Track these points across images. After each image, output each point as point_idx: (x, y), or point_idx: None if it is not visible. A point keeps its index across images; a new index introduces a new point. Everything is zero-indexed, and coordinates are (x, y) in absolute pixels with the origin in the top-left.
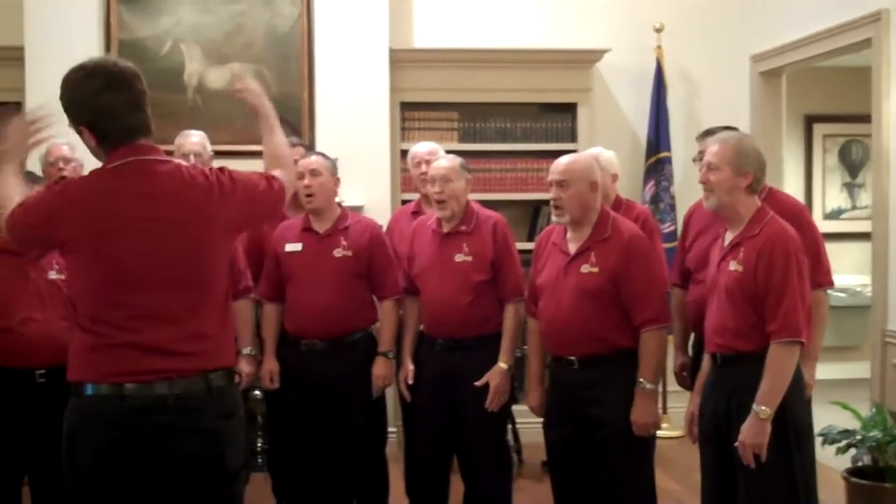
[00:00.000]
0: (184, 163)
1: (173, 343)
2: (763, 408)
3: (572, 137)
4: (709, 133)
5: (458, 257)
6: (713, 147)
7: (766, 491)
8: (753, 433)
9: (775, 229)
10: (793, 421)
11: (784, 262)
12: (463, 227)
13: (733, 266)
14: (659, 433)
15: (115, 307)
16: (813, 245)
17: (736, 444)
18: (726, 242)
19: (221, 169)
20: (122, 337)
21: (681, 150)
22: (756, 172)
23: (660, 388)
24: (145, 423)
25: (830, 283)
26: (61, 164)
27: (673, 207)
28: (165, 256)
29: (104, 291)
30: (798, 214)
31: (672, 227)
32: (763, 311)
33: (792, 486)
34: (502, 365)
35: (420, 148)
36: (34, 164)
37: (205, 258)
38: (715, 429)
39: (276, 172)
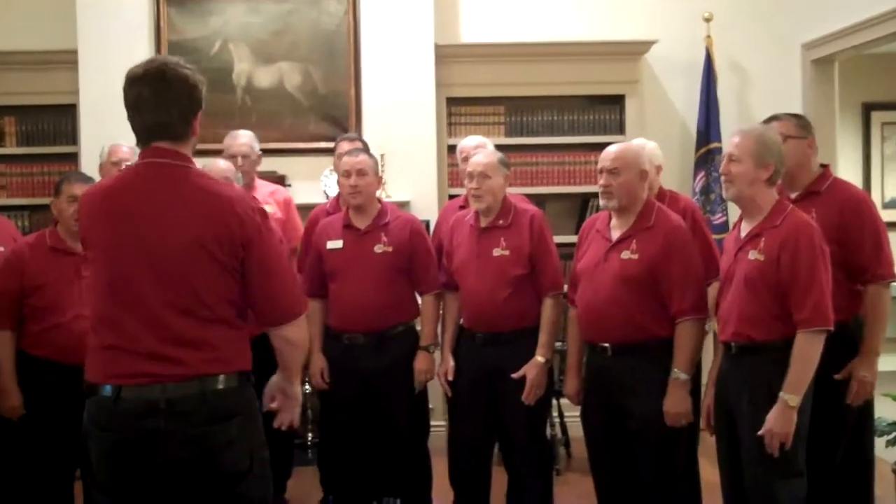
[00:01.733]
0: (221, 170)
1: (167, 348)
2: (791, 395)
3: (620, 129)
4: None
5: (496, 252)
6: (734, 138)
7: (770, 476)
8: (781, 422)
9: (798, 220)
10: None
11: (810, 252)
12: (500, 222)
13: (753, 255)
14: None
15: (114, 309)
16: (874, 235)
17: (760, 432)
18: (743, 233)
19: (263, 212)
20: (117, 339)
21: None
22: (777, 165)
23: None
24: (137, 426)
25: (893, 276)
26: (123, 167)
27: (723, 198)
28: (158, 261)
29: (106, 293)
30: (861, 203)
31: (723, 218)
32: (783, 301)
33: (798, 480)
34: (539, 359)
35: (468, 142)
36: (92, 165)
37: (201, 268)
38: (729, 420)
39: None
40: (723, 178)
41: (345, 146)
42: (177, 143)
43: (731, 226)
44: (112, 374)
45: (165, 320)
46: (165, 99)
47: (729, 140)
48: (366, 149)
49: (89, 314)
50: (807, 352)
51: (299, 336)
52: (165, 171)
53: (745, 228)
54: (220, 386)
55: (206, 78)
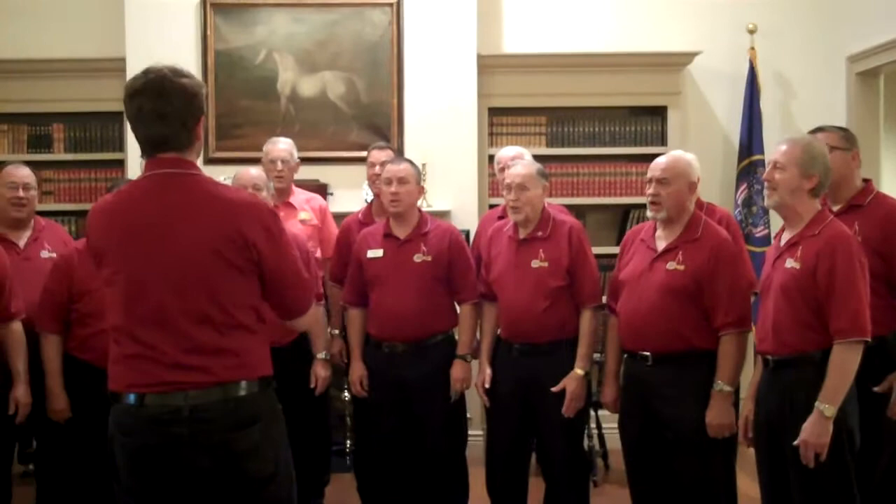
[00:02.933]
0: (252, 178)
1: (185, 357)
2: (827, 406)
3: (662, 141)
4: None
5: (535, 263)
6: (781, 146)
7: (821, 493)
8: (817, 433)
9: (836, 231)
10: (846, 422)
11: (848, 262)
12: (539, 233)
13: (790, 263)
14: None
15: (132, 320)
16: None
17: (795, 443)
18: (783, 242)
19: (273, 212)
20: (137, 349)
21: None
22: (822, 177)
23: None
24: (161, 433)
25: None
26: None
27: (766, 211)
28: (178, 269)
29: (122, 304)
30: None
31: (765, 231)
32: (819, 311)
33: (848, 488)
34: (579, 371)
35: (505, 153)
36: (138, 172)
37: (218, 274)
38: (769, 433)
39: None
40: (766, 184)
41: (376, 155)
42: (181, 152)
43: (772, 239)
44: (135, 382)
45: (186, 330)
46: (165, 112)
47: (776, 147)
48: (399, 156)
49: (109, 326)
50: (843, 362)
51: (310, 322)
52: (172, 180)
53: (785, 237)
54: (243, 392)
55: (251, 87)
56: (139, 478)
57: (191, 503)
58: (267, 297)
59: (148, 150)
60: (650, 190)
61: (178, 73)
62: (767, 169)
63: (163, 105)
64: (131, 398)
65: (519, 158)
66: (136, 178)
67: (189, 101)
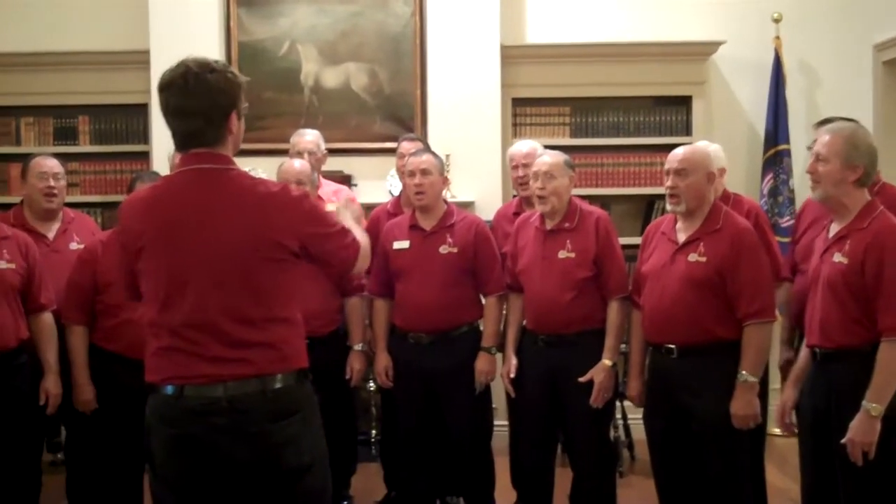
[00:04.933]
0: (297, 171)
1: (225, 350)
2: (874, 405)
3: (687, 131)
4: (826, 122)
5: (562, 254)
6: (824, 137)
7: (870, 490)
8: (863, 431)
9: (885, 224)
10: (894, 420)
11: None
12: (566, 224)
13: (837, 258)
14: (776, 430)
15: (170, 313)
16: None
17: (843, 440)
18: (831, 234)
19: (305, 194)
20: (176, 342)
21: (800, 142)
22: (867, 167)
23: (778, 385)
24: (201, 423)
25: None
26: None
27: (792, 201)
28: (213, 266)
29: (160, 298)
30: None
31: (791, 221)
32: (867, 306)
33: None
34: (607, 362)
35: (518, 149)
36: (163, 164)
37: (256, 268)
38: (814, 425)
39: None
40: (809, 177)
41: (406, 146)
42: (214, 146)
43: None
44: (174, 374)
45: (226, 325)
46: (188, 108)
47: (819, 139)
48: (428, 148)
49: (144, 319)
50: (891, 361)
51: (362, 267)
52: (206, 176)
53: (834, 229)
54: (281, 384)
55: (275, 78)
56: (177, 467)
57: (227, 494)
58: (319, 267)
59: (180, 144)
60: (668, 182)
61: (205, 67)
62: (811, 162)
63: (186, 101)
64: (170, 389)
65: (532, 155)
66: (170, 174)
67: (214, 98)
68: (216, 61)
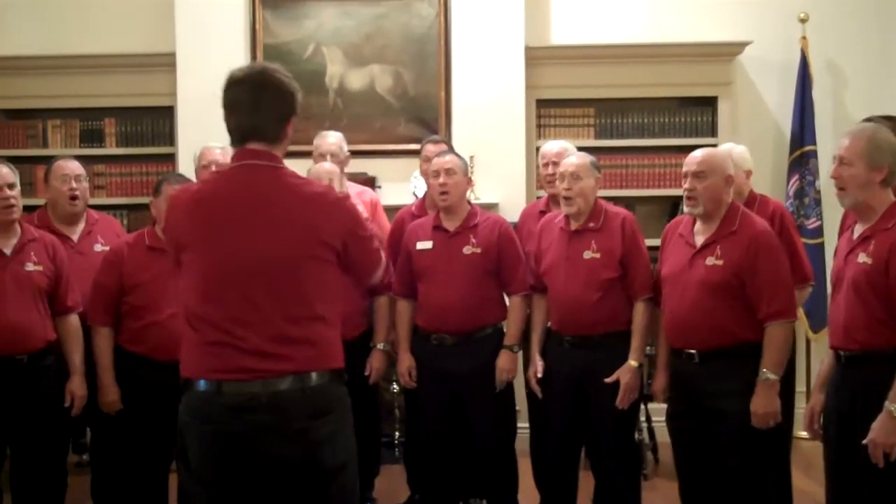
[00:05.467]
0: (327, 172)
1: (268, 345)
2: None
3: (712, 132)
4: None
5: (587, 254)
6: (844, 141)
7: (893, 492)
8: (885, 432)
9: None
10: None
11: None
12: (591, 225)
13: (862, 258)
14: (801, 433)
15: (213, 306)
16: None
17: (865, 441)
18: (856, 235)
19: (347, 195)
20: (218, 336)
21: (827, 143)
22: (892, 165)
23: (803, 389)
24: (241, 420)
25: None
26: (214, 169)
27: (818, 202)
28: (262, 262)
29: (204, 290)
30: None
31: (817, 223)
32: (891, 307)
33: None
34: (633, 363)
35: (550, 147)
36: (189, 166)
37: (302, 267)
38: (839, 428)
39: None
40: (834, 183)
41: (430, 149)
42: (269, 144)
43: (825, 231)
44: (213, 368)
45: (269, 320)
46: (261, 102)
47: (840, 143)
48: (452, 150)
49: (183, 311)
50: None
51: (378, 276)
52: (260, 172)
53: (858, 230)
54: (318, 382)
55: (299, 81)
56: (213, 465)
57: (262, 492)
58: (345, 272)
59: (238, 138)
60: (686, 185)
61: (279, 70)
62: (834, 166)
63: (259, 95)
64: (208, 385)
65: (563, 154)
66: (223, 168)
67: (284, 98)
68: (283, 69)
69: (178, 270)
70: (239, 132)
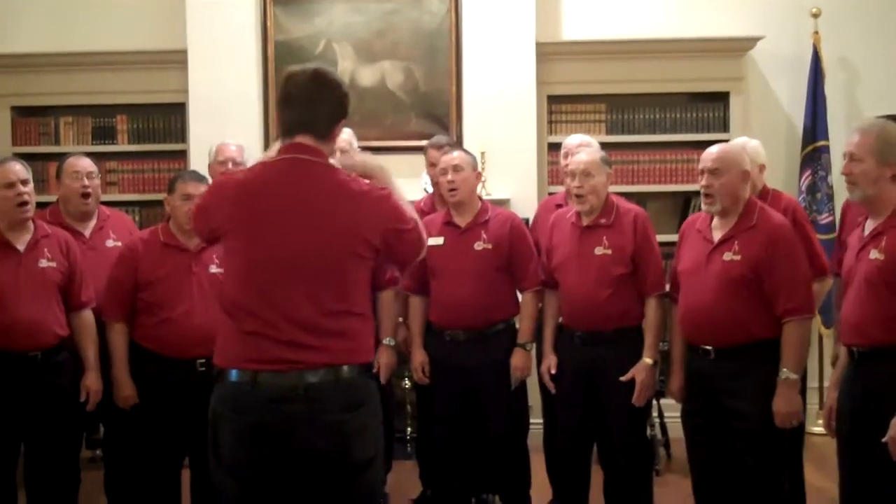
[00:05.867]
0: (338, 166)
1: (303, 336)
2: None
3: (724, 127)
4: None
5: (598, 250)
6: (854, 137)
7: None
8: None
9: None
10: None
11: None
12: (603, 221)
13: (874, 254)
14: (814, 429)
15: (253, 296)
16: None
17: (884, 439)
18: (867, 231)
19: (383, 188)
20: (255, 325)
21: (839, 138)
22: None
23: (815, 384)
24: (276, 410)
25: None
26: (230, 166)
27: (830, 197)
28: (302, 254)
29: (243, 279)
30: None
31: (830, 218)
32: None
33: None
34: (648, 360)
35: (571, 140)
36: (200, 162)
37: (342, 262)
38: (852, 424)
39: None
40: (845, 179)
41: (433, 154)
42: (318, 141)
43: (837, 226)
44: (250, 359)
45: (307, 313)
46: (316, 97)
47: (848, 139)
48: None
49: (221, 299)
50: None
51: (420, 258)
52: (307, 167)
53: (869, 226)
54: (348, 375)
55: None
56: (247, 457)
57: (293, 484)
58: (386, 260)
59: (288, 130)
60: (702, 181)
61: (334, 72)
62: (844, 162)
63: (316, 90)
64: (242, 375)
65: (585, 146)
66: (269, 160)
67: (339, 97)
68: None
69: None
70: (290, 124)
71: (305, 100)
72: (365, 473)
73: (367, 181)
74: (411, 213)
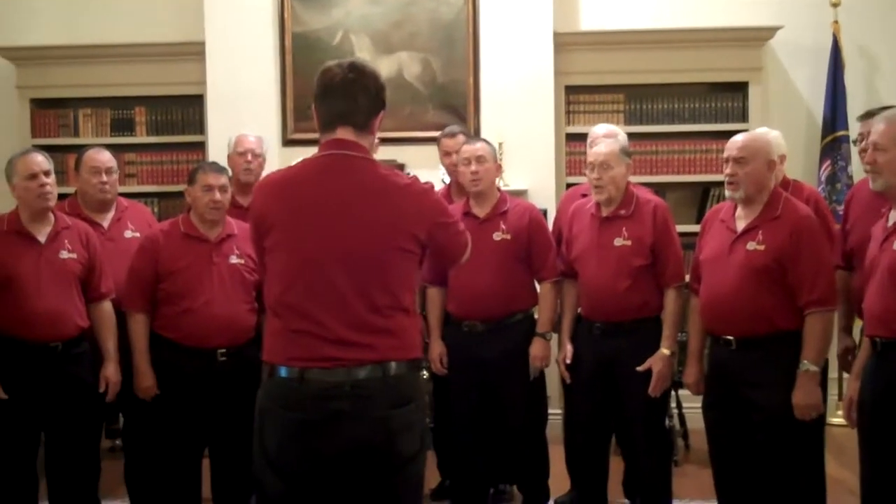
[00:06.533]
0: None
1: (350, 334)
2: None
3: (743, 117)
4: (869, 115)
5: (617, 241)
6: (879, 126)
7: None
8: None
9: None
10: None
11: None
12: (622, 212)
13: None
14: (833, 420)
15: (299, 295)
16: None
17: None
18: (891, 222)
19: (425, 182)
20: (302, 324)
21: (859, 128)
22: None
23: (835, 374)
24: (323, 407)
25: None
26: (249, 157)
27: (850, 188)
28: (347, 251)
29: (289, 278)
30: None
31: (844, 210)
32: None
33: None
34: (665, 351)
35: (597, 130)
36: (219, 154)
37: (387, 258)
38: (873, 415)
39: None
40: (868, 167)
41: (448, 143)
42: (358, 133)
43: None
44: (297, 356)
45: (354, 309)
46: (355, 87)
47: (874, 128)
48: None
49: (267, 298)
50: None
51: (467, 256)
52: (349, 162)
53: (893, 216)
54: (399, 371)
55: None
56: (293, 452)
57: (338, 480)
58: (434, 256)
59: (328, 123)
60: (727, 170)
61: (370, 64)
62: (868, 152)
63: (354, 81)
64: (290, 372)
65: (611, 136)
66: (311, 156)
67: (377, 88)
68: None
69: (260, 257)
70: (329, 118)
71: (343, 92)
72: (408, 468)
73: (408, 175)
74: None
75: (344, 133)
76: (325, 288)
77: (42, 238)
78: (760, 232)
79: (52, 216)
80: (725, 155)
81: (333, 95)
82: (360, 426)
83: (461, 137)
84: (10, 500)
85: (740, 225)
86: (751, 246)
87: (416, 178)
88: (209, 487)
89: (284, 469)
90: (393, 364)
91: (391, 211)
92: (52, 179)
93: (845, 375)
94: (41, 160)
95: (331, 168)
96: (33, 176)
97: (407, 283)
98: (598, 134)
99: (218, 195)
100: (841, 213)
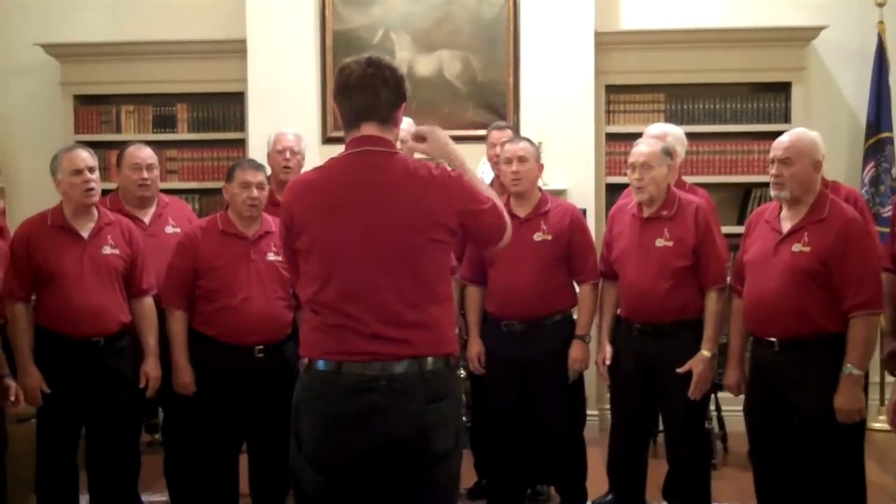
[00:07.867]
0: (408, 155)
1: (386, 329)
2: None
3: (785, 118)
4: None
5: (659, 242)
6: None
7: None
8: None
9: None
10: None
11: None
12: (664, 212)
13: None
14: (875, 425)
15: (334, 293)
16: None
17: None
18: None
19: (461, 173)
20: (338, 319)
21: None
22: None
23: (877, 379)
24: (358, 400)
25: None
26: (288, 155)
27: (894, 190)
28: (380, 246)
29: (324, 275)
30: None
31: (892, 211)
32: None
33: None
34: (706, 353)
35: (650, 130)
36: (259, 152)
37: (420, 251)
38: None
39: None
40: None
41: (495, 135)
42: (383, 128)
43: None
44: (333, 350)
45: (388, 304)
46: (375, 82)
47: None
48: (518, 135)
49: (303, 297)
50: None
51: (507, 240)
52: (376, 158)
53: None
54: (433, 367)
55: None
56: (329, 445)
57: (372, 474)
58: (470, 242)
59: (352, 119)
60: (773, 170)
61: (387, 57)
62: None
63: (373, 75)
64: (329, 365)
65: (662, 137)
66: (338, 155)
67: (397, 80)
68: None
69: (290, 257)
70: (352, 114)
71: (363, 87)
72: (444, 463)
73: (436, 164)
74: (488, 192)
75: (368, 129)
76: (359, 286)
77: (85, 233)
78: (806, 233)
79: (95, 212)
80: (771, 155)
81: (354, 92)
82: (394, 420)
83: (508, 132)
84: (52, 493)
85: (786, 226)
86: (796, 247)
87: (443, 167)
88: (247, 482)
89: (319, 463)
90: (430, 359)
91: (420, 203)
92: (96, 175)
93: (888, 379)
94: (86, 156)
95: (358, 166)
96: (78, 172)
97: (440, 272)
98: (653, 133)
99: (255, 192)
100: (885, 215)
